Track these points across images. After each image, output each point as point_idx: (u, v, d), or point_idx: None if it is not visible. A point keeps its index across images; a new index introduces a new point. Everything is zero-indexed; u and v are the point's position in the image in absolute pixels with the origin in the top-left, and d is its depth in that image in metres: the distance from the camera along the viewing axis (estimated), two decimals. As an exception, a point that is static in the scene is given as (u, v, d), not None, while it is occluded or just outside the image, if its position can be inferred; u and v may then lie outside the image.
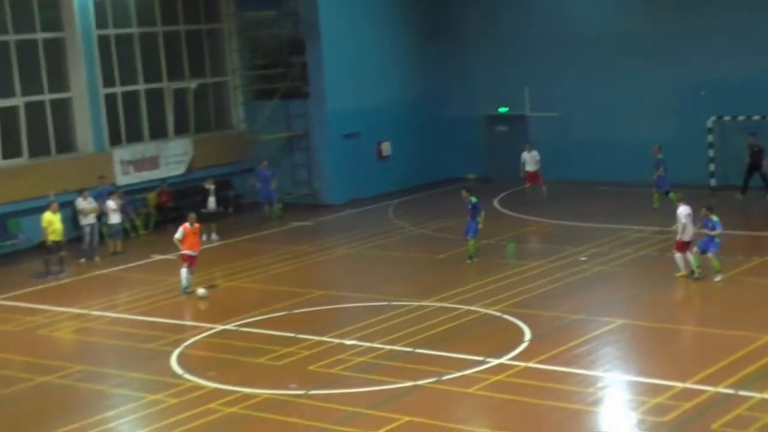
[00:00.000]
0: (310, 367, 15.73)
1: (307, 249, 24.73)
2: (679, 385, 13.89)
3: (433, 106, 33.60)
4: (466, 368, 15.11)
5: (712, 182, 28.97)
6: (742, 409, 12.93)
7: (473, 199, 22.25)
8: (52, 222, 23.17)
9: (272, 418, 13.78)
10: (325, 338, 17.18)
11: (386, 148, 32.30)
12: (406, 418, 13.35)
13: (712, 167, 29.04)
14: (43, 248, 23.57)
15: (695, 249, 19.61)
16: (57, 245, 23.23)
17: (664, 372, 14.55)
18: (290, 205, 30.33)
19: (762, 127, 28.25)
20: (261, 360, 16.28)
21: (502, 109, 33.07)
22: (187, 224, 21.16)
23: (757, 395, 13.35)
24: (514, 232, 25.44)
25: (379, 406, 13.85)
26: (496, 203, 29.31)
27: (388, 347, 16.45)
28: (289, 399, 14.45)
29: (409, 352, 16.17)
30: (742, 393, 13.45)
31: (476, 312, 18.26)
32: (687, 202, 19.97)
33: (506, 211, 28.10)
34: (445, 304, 18.82)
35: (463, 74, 33.46)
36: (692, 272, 19.59)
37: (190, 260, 21.07)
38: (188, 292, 20.77)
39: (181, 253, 21.10)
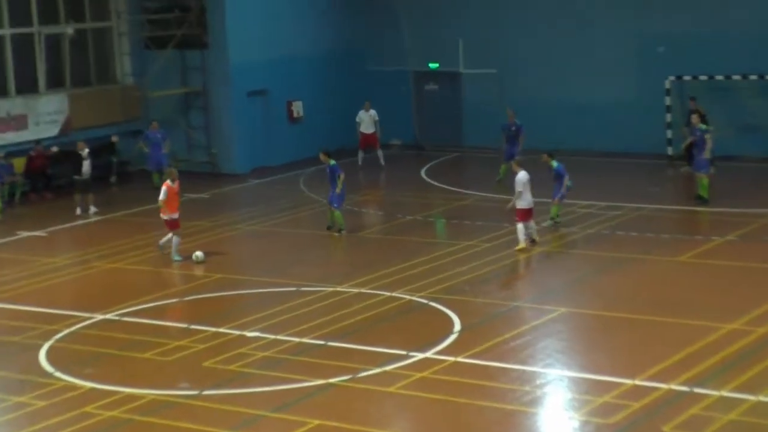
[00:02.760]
0: (205, 363, 15.63)
1: (203, 225, 24.55)
2: (628, 382, 14.13)
3: (354, 61, 33.54)
4: (386, 364, 15.16)
5: (669, 151, 29.48)
6: (696, 409, 13.20)
7: (332, 162, 22.80)
8: None
9: (159, 422, 13.66)
10: (222, 330, 17.08)
11: (298, 108, 32.18)
12: (317, 422, 13.36)
13: (669, 134, 29.55)
14: None
15: (555, 199, 22.49)
16: None
17: (612, 367, 14.79)
18: (185, 173, 29.87)
19: (724, 87, 28.84)
20: (147, 355, 16.14)
21: (433, 65, 33.17)
22: (168, 181, 21.43)
23: (714, 393, 13.65)
24: (443, 207, 25.62)
25: (286, 408, 13.84)
26: (423, 173, 29.49)
27: (297, 340, 16.44)
28: (179, 400, 14.34)
29: (321, 345, 16.18)
30: (697, 390, 13.73)
31: (399, 299, 18.33)
32: (526, 168, 21.40)
33: (435, 183, 28.29)
34: (364, 290, 18.85)
35: (389, 23, 33.42)
36: (533, 241, 21.18)
37: (173, 225, 21.30)
38: (177, 259, 21.22)
39: (165, 219, 21.37)
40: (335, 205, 22.85)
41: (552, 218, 22.59)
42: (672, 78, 29.47)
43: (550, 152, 22.69)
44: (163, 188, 21.42)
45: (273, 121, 31.69)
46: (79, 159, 26.25)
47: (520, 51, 31.70)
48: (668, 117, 29.55)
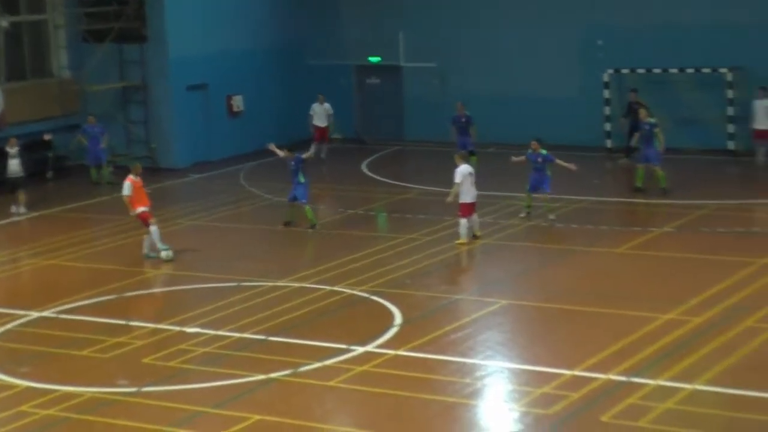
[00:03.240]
0: (144, 360, 15.56)
1: (143, 221, 24.34)
2: (567, 372, 14.27)
3: (295, 55, 33.44)
4: (326, 358, 15.17)
5: (608, 143, 29.79)
6: (634, 398, 13.37)
7: (296, 155, 22.82)
8: None
9: (97, 420, 13.56)
10: (162, 326, 17.01)
11: (238, 102, 32.03)
12: (257, 417, 13.34)
13: (608, 127, 29.84)
14: None
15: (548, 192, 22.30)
16: None
17: (551, 359, 14.94)
18: (123, 168, 29.66)
19: (661, 81, 29.19)
20: (85, 352, 16.00)
21: (374, 59, 33.17)
22: (131, 176, 21.04)
23: (652, 382, 13.82)
24: (384, 201, 25.67)
25: (226, 404, 13.80)
26: (364, 167, 29.52)
27: (237, 335, 16.39)
28: (118, 398, 14.25)
29: (262, 340, 16.16)
30: (635, 380, 13.90)
31: (340, 293, 18.35)
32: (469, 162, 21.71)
33: (376, 177, 28.33)
34: (304, 285, 18.86)
35: (330, 17, 33.37)
36: (475, 236, 21.04)
37: (149, 217, 20.95)
38: (164, 255, 20.69)
39: (138, 213, 20.90)
40: (303, 200, 22.61)
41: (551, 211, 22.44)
42: (610, 71, 29.75)
43: (539, 139, 22.48)
44: (127, 183, 21.07)
45: (213, 115, 31.51)
46: (5, 156, 25.74)
47: (461, 44, 31.79)
48: (607, 110, 29.83)
